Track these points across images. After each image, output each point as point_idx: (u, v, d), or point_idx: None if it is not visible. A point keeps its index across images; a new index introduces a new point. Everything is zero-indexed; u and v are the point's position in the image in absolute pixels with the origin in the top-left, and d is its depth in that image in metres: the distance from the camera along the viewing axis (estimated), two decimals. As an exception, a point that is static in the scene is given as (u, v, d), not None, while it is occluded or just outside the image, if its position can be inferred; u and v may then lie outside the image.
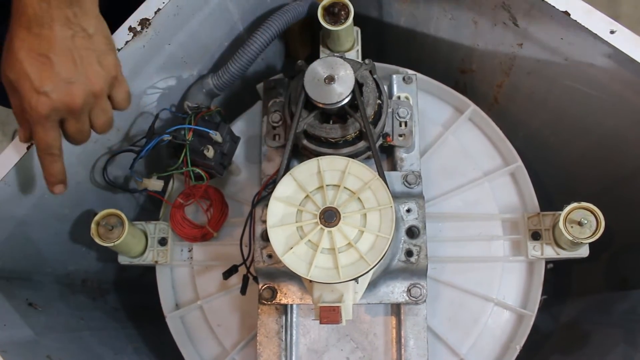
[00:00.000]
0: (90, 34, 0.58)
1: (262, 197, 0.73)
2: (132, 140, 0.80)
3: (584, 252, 0.75)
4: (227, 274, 0.75)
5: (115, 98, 0.62)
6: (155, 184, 0.79)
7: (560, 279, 1.08)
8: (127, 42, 0.70)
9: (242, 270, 0.74)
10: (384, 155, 0.79)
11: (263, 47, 0.77)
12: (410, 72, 0.82)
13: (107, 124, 0.63)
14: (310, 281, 0.62)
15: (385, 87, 0.76)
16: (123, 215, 0.74)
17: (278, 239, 0.61)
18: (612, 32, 0.65)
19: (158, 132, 0.75)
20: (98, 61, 0.58)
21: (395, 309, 0.74)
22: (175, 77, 0.81)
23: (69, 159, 0.75)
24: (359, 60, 0.80)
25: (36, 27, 0.55)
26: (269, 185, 0.73)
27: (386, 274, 0.70)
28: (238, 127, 0.86)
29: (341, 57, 0.69)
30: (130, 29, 0.70)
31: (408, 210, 0.70)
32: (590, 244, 0.73)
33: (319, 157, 0.64)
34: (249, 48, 0.76)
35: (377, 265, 0.61)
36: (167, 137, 0.73)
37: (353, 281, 0.62)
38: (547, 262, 0.77)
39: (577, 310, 1.07)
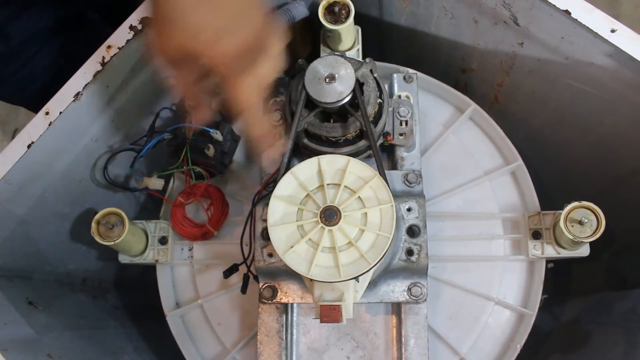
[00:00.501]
0: None
1: (263, 196, 0.73)
2: (133, 139, 0.80)
3: (584, 251, 0.75)
4: (228, 273, 0.75)
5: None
6: (155, 182, 0.79)
7: (560, 278, 1.08)
8: (128, 40, 0.70)
9: (243, 269, 0.74)
10: (384, 154, 0.79)
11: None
12: (411, 71, 0.82)
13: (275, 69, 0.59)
14: (311, 280, 0.62)
15: (386, 86, 0.75)
16: (123, 214, 0.74)
17: (279, 237, 0.61)
18: (612, 31, 0.65)
19: (159, 130, 0.75)
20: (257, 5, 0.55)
21: (396, 308, 0.74)
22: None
23: (69, 158, 0.76)
24: (360, 59, 0.80)
25: None
26: (270, 184, 0.73)
27: (387, 273, 0.70)
28: (239, 126, 0.86)
29: (342, 56, 0.69)
30: (131, 27, 0.70)
31: (409, 209, 0.70)
32: (590, 243, 0.73)
33: (319, 156, 0.64)
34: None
35: (377, 264, 0.61)
36: (167, 136, 0.73)
37: (354, 280, 0.62)
38: (548, 261, 0.77)
39: (577, 309, 1.07)
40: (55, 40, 0.85)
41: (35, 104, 0.96)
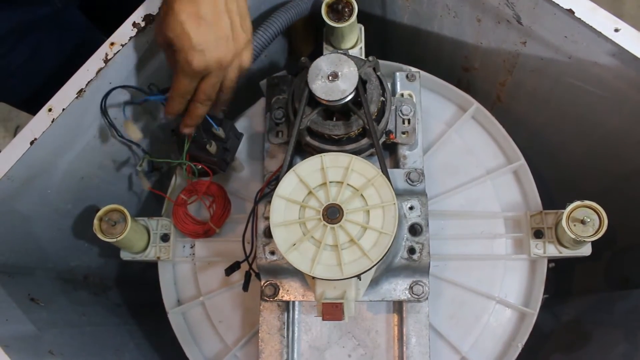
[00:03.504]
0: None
1: (265, 194, 0.73)
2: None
3: (586, 250, 0.75)
4: (230, 271, 0.75)
5: (243, 58, 0.68)
6: (134, 130, 0.76)
7: (561, 277, 1.08)
8: (130, 37, 0.70)
9: (244, 266, 0.74)
10: (387, 153, 0.79)
11: (266, 43, 0.77)
12: (413, 69, 0.82)
13: (236, 81, 0.70)
14: (313, 278, 0.62)
15: (389, 85, 0.75)
16: (126, 211, 0.74)
17: (281, 235, 0.61)
18: (616, 30, 0.65)
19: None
20: (241, 24, 0.66)
21: (397, 307, 0.74)
22: (179, 73, 0.81)
23: (72, 154, 0.76)
24: (363, 57, 0.80)
25: None
26: (272, 181, 0.73)
27: (388, 271, 0.70)
28: (241, 123, 0.86)
29: (345, 54, 0.69)
30: (134, 24, 0.70)
31: (411, 208, 0.70)
32: (592, 242, 0.72)
33: (322, 154, 0.64)
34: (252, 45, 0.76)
35: (379, 263, 0.61)
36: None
37: (355, 278, 0.62)
38: (549, 260, 0.77)
39: (578, 309, 1.07)
40: (30, 37, 0.86)
41: (13, 99, 0.97)
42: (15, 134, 1.12)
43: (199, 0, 0.62)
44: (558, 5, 0.67)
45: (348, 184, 0.63)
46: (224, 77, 0.68)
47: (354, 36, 0.81)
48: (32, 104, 0.92)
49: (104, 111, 0.74)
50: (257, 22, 0.81)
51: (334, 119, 0.71)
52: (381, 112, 0.72)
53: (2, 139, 1.72)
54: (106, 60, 0.70)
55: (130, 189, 0.90)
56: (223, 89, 0.69)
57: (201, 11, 0.62)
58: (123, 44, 0.70)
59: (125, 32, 0.70)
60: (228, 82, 0.69)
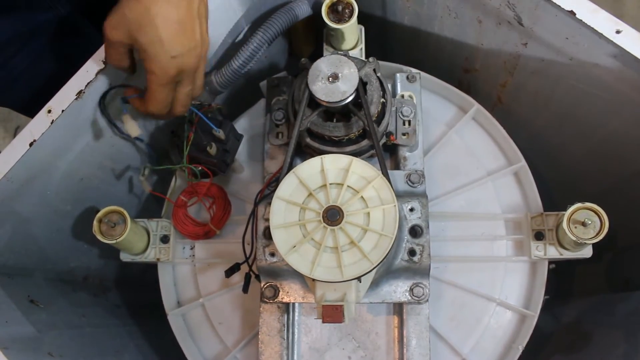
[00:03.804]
0: (205, 2, 0.65)
1: (265, 195, 0.73)
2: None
3: (587, 252, 0.75)
4: (230, 272, 0.74)
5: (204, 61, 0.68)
6: (132, 125, 0.76)
7: (562, 279, 1.08)
8: (130, 38, 0.70)
9: (244, 268, 0.73)
10: (387, 154, 0.79)
11: (266, 44, 0.77)
12: (414, 70, 0.82)
13: (202, 85, 0.70)
14: (313, 280, 0.62)
15: (389, 86, 0.75)
16: (125, 213, 0.74)
17: (281, 237, 0.61)
18: (618, 32, 0.65)
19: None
20: (206, 28, 0.65)
21: (398, 309, 0.74)
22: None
23: (71, 156, 0.76)
24: (363, 58, 0.80)
25: None
26: (272, 183, 0.73)
27: (389, 273, 0.70)
28: (241, 124, 0.86)
29: (345, 55, 0.69)
30: (134, 25, 0.70)
31: (411, 210, 0.70)
32: (593, 244, 0.72)
33: (322, 156, 0.64)
34: (252, 45, 0.76)
35: (380, 265, 0.60)
36: None
37: (356, 280, 0.62)
38: (549, 262, 0.77)
39: (578, 311, 1.06)
40: (33, 43, 0.86)
41: (16, 104, 0.97)
42: (15, 135, 1.12)
43: (180, 4, 0.60)
44: (559, 6, 0.67)
45: (348, 186, 0.62)
46: (194, 81, 0.67)
47: (354, 37, 0.81)
48: (35, 109, 0.92)
49: (102, 109, 0.73)
50: (258, 23, 0.81)
51: (334, 120, 0.71)
52: (381, 113, 0.72)
53: (1, 139, 1.71)
54: (105, 62, 0.69)
55: (129, 191, 0.90)
56: (195, 91, 0.69)
57: (178, 16, 0.60)
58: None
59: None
60: (197, 88, 0.68)
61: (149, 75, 0.63)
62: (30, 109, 0.95)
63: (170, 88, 0.65)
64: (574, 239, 0.70)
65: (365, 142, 0.71)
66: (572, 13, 0.66)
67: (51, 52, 0.89)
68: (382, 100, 0.71)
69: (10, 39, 0.84)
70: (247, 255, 0.72)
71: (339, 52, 0.76)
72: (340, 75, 0.67)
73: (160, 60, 0.61)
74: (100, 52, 0.69)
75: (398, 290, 0.70)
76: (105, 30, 0.62)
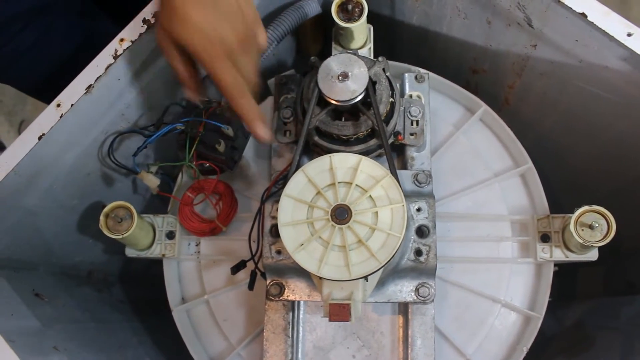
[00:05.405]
0: None
1: (272, 193, 0.73)
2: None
3: (593, 255, 0.75)
4: (235, 269, 0.74)
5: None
6: (150, 179, 0.78)
7: (565, 281, 1.08)
8: (140, 34, 0.70)
9: (250, 265, 0.73)
10: (394, 154, 0.78)
11: (276, 42, 0.77)
12: (422, 70, 0.82)
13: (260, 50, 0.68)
14: (320, 278, 0.62)
15: (397, 86, 0.75)
16: (132, 208, 0.74)
17: (289, 235, 0.61)
18: (629, 34, 0.65)
19: (167, 122, 0.74)
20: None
21: (403, 308, 0.74)
22: (187, 71, 0.81)
23: (79, 150, 0.76)
24: (371, 57, 0.80)
25: None
26: (279, 181, 0.73)
27: (395, 272, 0.70)
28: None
29: (355, 54, 0.69)
30: (145, 21, 0.70)
31: (418, 210, 0.70)
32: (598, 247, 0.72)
33: (331, 154, 0.64)
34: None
35: (387, 264, 0.60)
36: (180, 126, 0.72)
37: (363, 279, 0.62)
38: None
39: (581, 313, 1.06)
40: (40, 20, 0.86)
41: (21, 84, 0.97)
42: (19, 128, 1.12)
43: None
44: (570, 8, 0.66)
45: (357, 185, 0.62)
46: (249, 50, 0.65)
47: (363, 36, 0.80)
48: (40, 91, 0.92)
49: (113, 159, 0.76)
50: (267, 21, 0.81)
51: (343, 119, 0.71)
52: (390, 113, 0.72)
53: (6, 133, 1.71)
54: (115, 57, 0.69)
55: (135, 186, 0.90)
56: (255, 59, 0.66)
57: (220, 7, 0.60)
58: (133, 40, 0.70)
59: (135, 28, 0.70)
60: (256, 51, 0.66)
61: (199, 62, 0.62)
62: (36, 90, 0.95)
63: (228, 65, 0.62)
64: (580, 241, 0.70)
65: (373, 142, 0.71)
66: (583, 15, 0.66)
67: (57, 31, 0.89)
68: (391, 99, 0.71)
69: (17, 14, 0.84)
70: (253, 253, 0.72)
71: (348, 51, 0.76)
72: (350, 74, 0.67)
73: (197, 39, 0.60)
74: (111, 47, 0.69)
75: (404, 289, 0.70)
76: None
